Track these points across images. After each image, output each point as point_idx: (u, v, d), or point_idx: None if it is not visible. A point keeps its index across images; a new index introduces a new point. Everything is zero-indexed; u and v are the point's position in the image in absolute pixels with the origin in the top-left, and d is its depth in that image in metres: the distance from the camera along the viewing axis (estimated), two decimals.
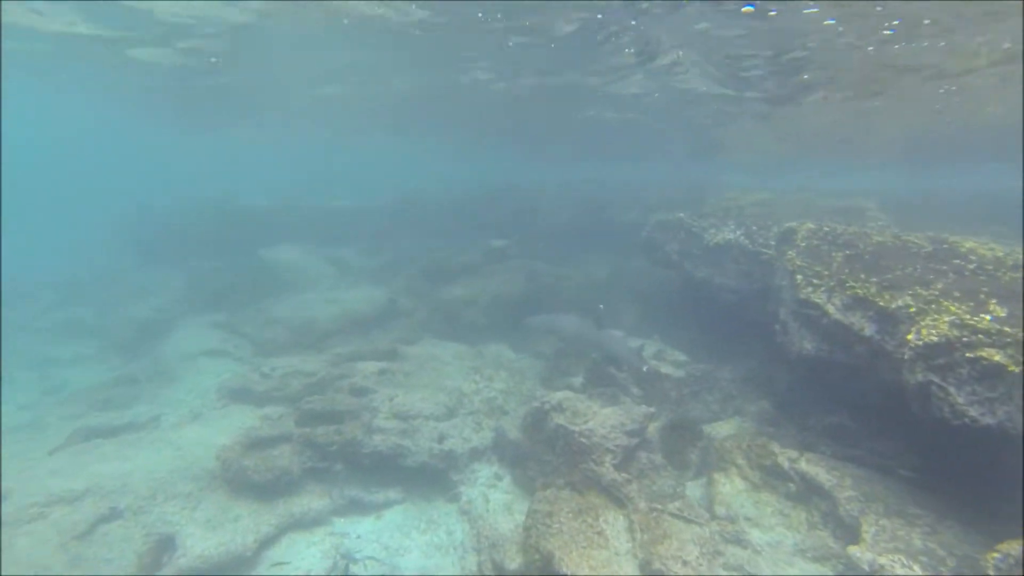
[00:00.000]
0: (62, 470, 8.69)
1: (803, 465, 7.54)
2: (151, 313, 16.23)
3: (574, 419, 9.23)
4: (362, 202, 23.49)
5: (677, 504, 7.86)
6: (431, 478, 10.05)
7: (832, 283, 7.87)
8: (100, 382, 13.78)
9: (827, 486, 7.04)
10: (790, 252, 9.22)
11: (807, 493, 7.41)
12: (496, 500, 9.64)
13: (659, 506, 7.88)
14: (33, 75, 19.71)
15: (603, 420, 9.05)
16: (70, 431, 10.10)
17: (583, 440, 8.77)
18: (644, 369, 11.27)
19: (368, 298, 16.14)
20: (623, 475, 8.32)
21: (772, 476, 7.86)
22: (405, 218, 23.19)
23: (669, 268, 15.29)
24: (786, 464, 7.75)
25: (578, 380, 12.41)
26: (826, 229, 9.53)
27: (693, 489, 9.07)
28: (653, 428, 9.47)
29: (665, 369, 11.76)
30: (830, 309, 7.69)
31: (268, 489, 8.76)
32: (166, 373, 13.49)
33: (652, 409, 9.50)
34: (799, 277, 8.55)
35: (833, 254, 8.54)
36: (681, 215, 14.16)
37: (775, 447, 8.09)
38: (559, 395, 9.70)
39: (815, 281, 8.22)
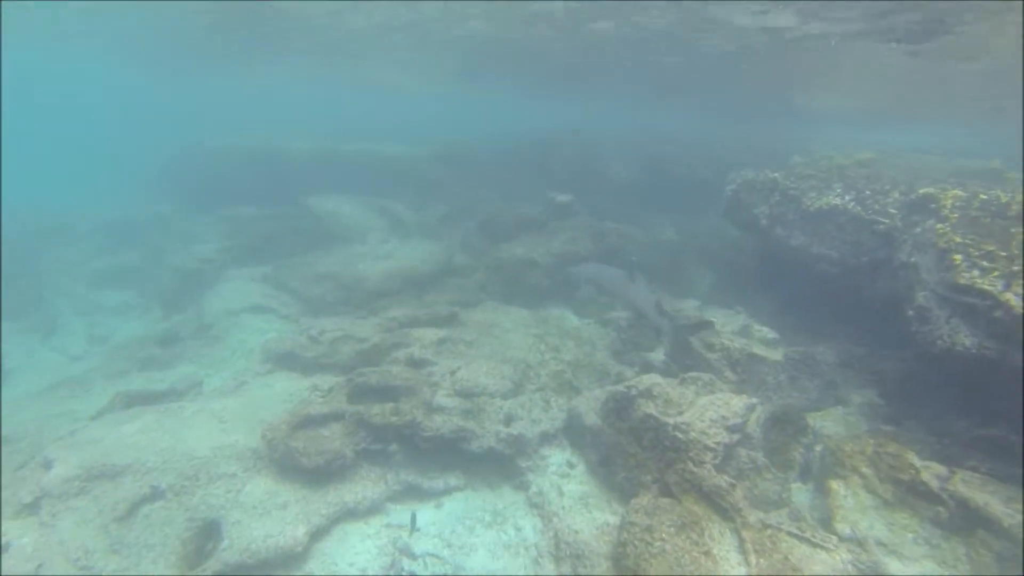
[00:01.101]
0: (103, 439, 7.97)
1: (960, 488, 6.19)
2: (195, 264, 15.49)
3: (666, 409, 8.02)
4: (412, 149, 22.11)
5: (796, 525, 6.65)
6: (495, 463, 9.07)
7: (1013, 267, 6.30)
8: (145, 335, 13.19)
9: (1005, 523, 5.69)
10: (939, 225, 7.60)
11: (968, 524, 6.08)
12: (571, 493, 8.61)
13: (773, 522, 6.68)
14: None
15: (700, 412, 7.82)
16: (112, 394, 9.36)
17: (678, 435, 7.58)
18: (662, 333, 10.37)
19: (422, 256, 15.03)
20: (726, 479, 7.12)
21: (912, 494, 6.55)
22: (458, 167, 21.77)
23: (754, 232, 13.72)
24: (934, 483, 6.42)
25: (655, 355, 11.19)
26: (983, 197, 7.86)
27: (799, 495, 7.86)
28: (753, 420, 8.20)
29: (757, 349, 10.36)
30: (1011, 300, 6.15)
31: (318, 473, 7.89)
32: (209, 330, 12.76)
33: (755, 400, 8.22)
34: (957, 257, 6.99)
35: (1011, 230, 6.91)
36: (775, 175, 12.46)
37: (912, 457, 6.75)
38: (647, 379, 8.47)
39: (984, 263, 6.66)
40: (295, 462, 7.81)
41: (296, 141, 22.59)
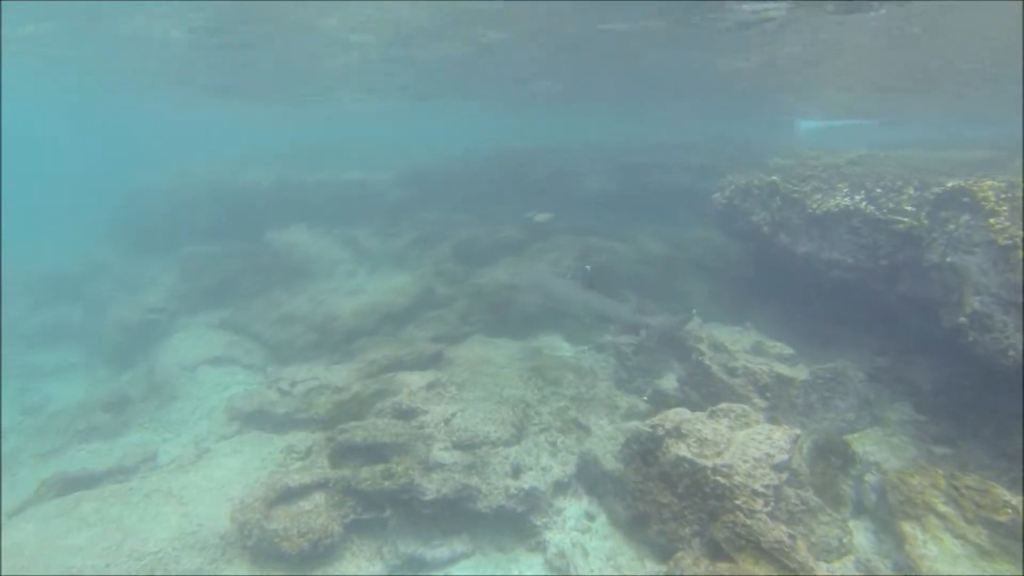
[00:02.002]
0: (24, 545, 6.52)
1: None
2: (141, 315, 14.03)
3: (702, 450, 7.04)
4: (376, 174, 20.95)
5: None
6: (506, 521, 7.95)
7: None
8: (87, 400, 11.64)
9: None
10: (991, 220, 6.88)
11: None
12: (597, 551, 7.56)
13: None
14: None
15: (741, 450, 6.86)
16: (39, 480, 7.89)
17: (720, 480, 6.60)
18: (641, 333, 10.06)
19: (396, 287, 13.87)
20: (785, 530, 6.13)
21: (1011, 538, 5.65)
22: (425, 190, 20.68)
23: (752, 241, 13.01)
24: None
25: (666, 382, 10.22)
26: None
27: (860, 536, 6.93)
28: (798, 454, 7.29)
29: (779, 368, 9.49)
30: None
31: (303, 558, 6.61)
32: (163, 389, 11.34)
33: (797, 431, 7.29)
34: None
35: None
36: (774, 178, 11.77)
37: (1002, 492, 5.87)
38: (674, 415, 7.48)
39: None
40: (274, 548, 6.54)
41: (252, 173, 21.22)
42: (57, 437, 9.89)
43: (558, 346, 13.50)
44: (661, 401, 9.56)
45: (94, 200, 26.74)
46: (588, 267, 11.51)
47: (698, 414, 7.55)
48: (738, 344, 10.93)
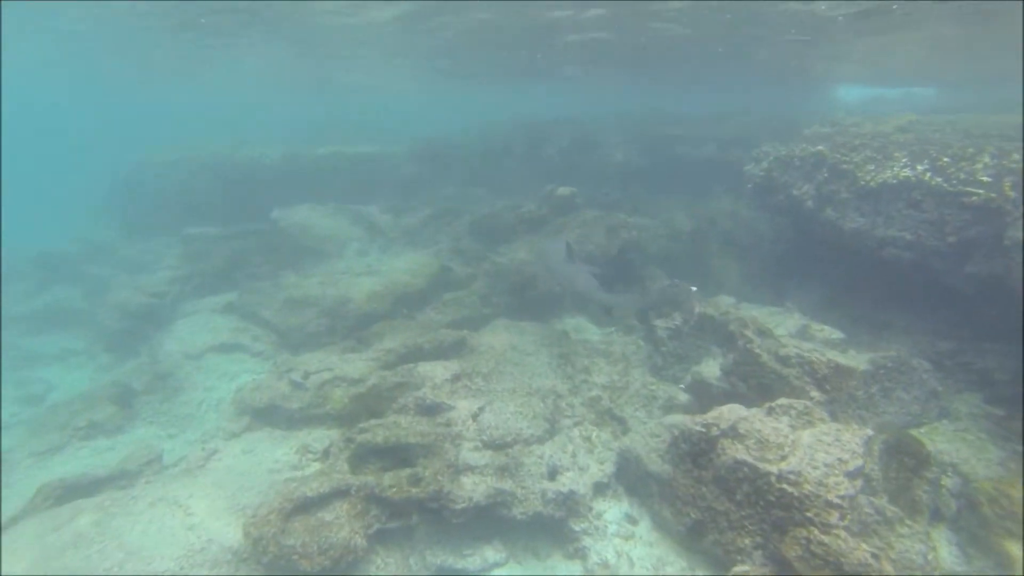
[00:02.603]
0: (17, 565, 5.92)
1: None
2: (144, 299, 13.37)
3: (763, 452, 6.34)
4: (387, 147, 20.06)
5: None
6: (542, 526, 7.32)
7: None
8: (88, 392, 11.10)
9: None
10: None
11: None
12: (642, 560, 6.96)
13: None
14: None
15: (809, 455, 6.16)
16: (39, 484, 7.30)
17: (787, 488, 5.91)
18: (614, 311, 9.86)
19: (411, 267, 13.15)
20: (867, 548, 5.45)
21: None
22: (439, 163, 19.80)
23: (790, 216, 12.16)
24: None
25: (706, 369, 9.46)
26: None
27: (945, 552, 6.26)
28: (872, 458, 6.58)
29: (835, 356, 8.73)
30: None
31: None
32: (167, 379, 10.73)
33: (869, 431, 6.57)
34: None
35: None
36: (819, 147, 10.89)
37: None
38: (729, 412, 6.80)
39: None
40: (292, 567, 5.94)
41: (258, 148, 20.38)
42: (57, 434, 9.31)
43: (584, 328, 12.85)
44: (703, 392, 8.84)
45: (94, 177, 25.96)
46: (569, 241, 10.31)
47: (755, 411, 6.83)
48: (781, 327, 10.14)
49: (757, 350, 8.15)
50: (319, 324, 11.45)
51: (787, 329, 10.08)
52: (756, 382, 8.04)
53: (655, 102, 33.38)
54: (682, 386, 9.74)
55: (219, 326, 12.26)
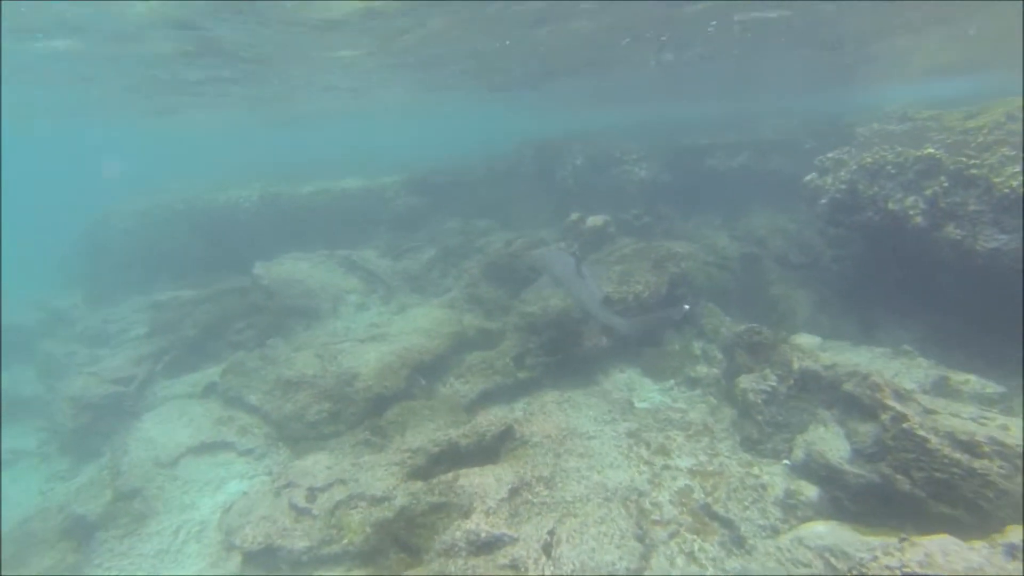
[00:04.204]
0: None
1: None
2: (107, 387, 11.19)
3: None
4: (377, 180, 18.08)
5: None
6: None
7: None
8: (25, 528, 8.82)
9: None
10: None
11: None
12: None
13: None
14: None
15: None
16: None
17: None
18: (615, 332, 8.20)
19: (424, 325, 11.13)
20: None
21: None
22: (438, 194, 17.81)
23: (888, 235, 10.15)
24: None
25: (820, 442, 7.41)
26: None
27: None
28: None
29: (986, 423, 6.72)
30: None
31: None
32: (133, 500, 8.58)
33: None
34: None
35: None
36: (932, 150, 8.97)
37: None
38: (944, 553, 4.73)
39: None
40: None
41: (235, 190, 18.32)
42: None
43: (638, 384, 10.86)
44: (835, 482, 6.81)
45: (55, 233, 23.77)
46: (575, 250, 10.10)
47: (980, 547, 4.78)
48: (906, 379, 8.19)
49: (921, 432, 6.13)
50: (320, 411, 9.33)
51: (916, 381, 8.13)
52: (925, 476, 6.01)
53: (672, 109, 31.76)
54: (787, 461, 7.75)
55: (197, 417, 10.11)
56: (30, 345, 15.34)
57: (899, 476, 6.14)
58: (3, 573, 7.54)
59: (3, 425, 12.99)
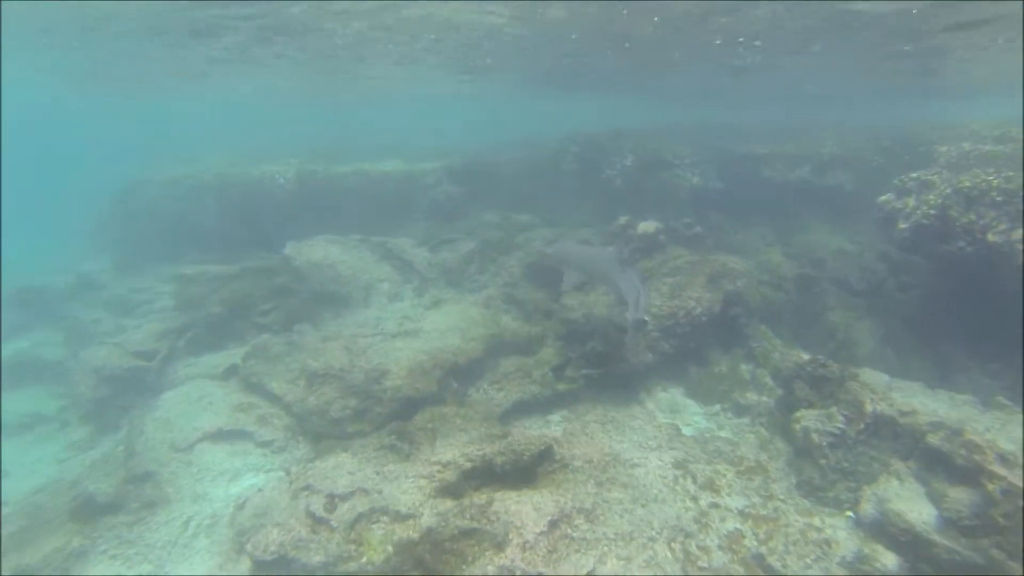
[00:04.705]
0: None
1: None
2: (129, 360, 10.87)
3: None
4: (417, 165, 17.54)
5: None
6: None
7: None
8: (35, 502, 8.51)
9: None
10: None
11: None
12: None
13: None
14: None
15: None
16: None
17: None
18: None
19: (461, 325, 10.58)
20: None
21: None
22: (479, 185, 17.19)
23: (985, 268, 9.25)
24: None
25: (895, 499, 6.68)
26: None
27: None
28: None
29: None
30: None
31: None
32: (144, 483, 8.20)
33: None
34: None
35: None
36: None
37: None
38: None
39: None
40: None
41: (267, 165, 17.95)
42: None
43: (683, 407, 10.20)
44: (922, 552, 5.98)
45: (88, 194, 23.73)
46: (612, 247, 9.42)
47: None
48: (998, 435, 7.35)
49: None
50: (345, 408, 8.83)
51: (1014, 441, 7.30)
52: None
53: (704, 114, 30.71)
54: (851, 514, 7.04)
55: (217, 401, 9.69)
56: (58, 308, 15.19)
57: (1011, 563, 5.38)
58: (4, 551, 7.17)
59: (26, 387, 12.85)
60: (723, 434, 9.21)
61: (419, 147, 21.06)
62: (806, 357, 10.94)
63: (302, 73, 22.63)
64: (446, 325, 10.62)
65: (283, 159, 18.94)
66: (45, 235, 23.20)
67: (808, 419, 7.77)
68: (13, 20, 14.53)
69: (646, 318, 7.84)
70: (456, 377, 9.59)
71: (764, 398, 9.99)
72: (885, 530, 6.28)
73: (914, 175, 10.23)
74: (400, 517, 6.48)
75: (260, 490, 7.71)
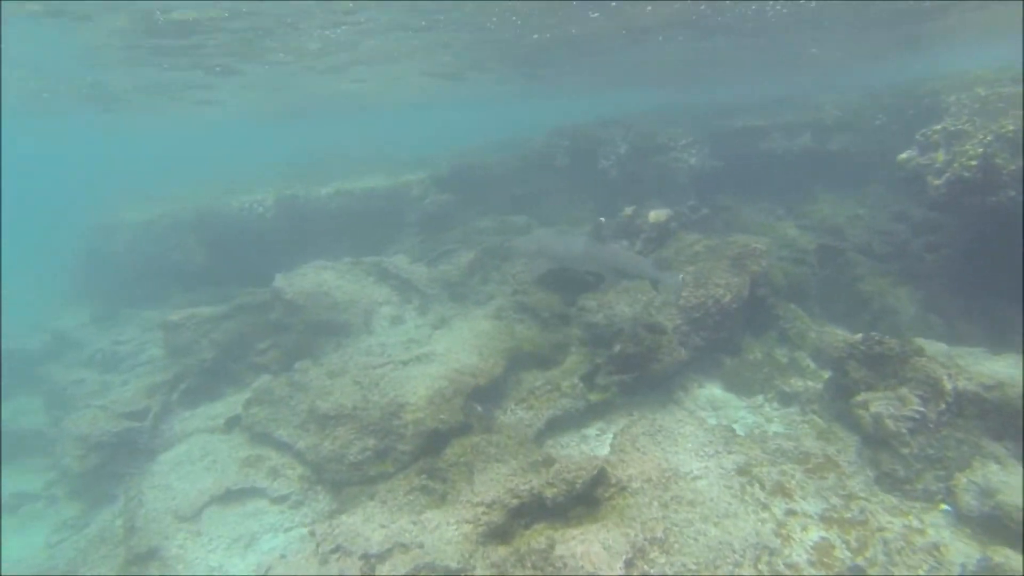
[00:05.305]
0: None
1: None
2: (119, 423, 9.91)
3: None
4: (401, 177, 16.72)
5: None
6: None
7: None
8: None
9: None
10: None
11: None
12: None
13: None
14: None
15: None
16: None
17: None
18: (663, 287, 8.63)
19: (475, 341, 9.80)
20: None
21: None
22: (470, 190, 16.40)
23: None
24: None
25: (1000, 487, 6.00)
26: None
27: None
28: None
29: None
30: None
31: None
32: (151, 563, 7.35)
33: None
34: None
35: None
36: None
37: None
38: None
39: None
40: None
41: (247, 195, 17.04)
42: None
43: (724, 402, 9.55)
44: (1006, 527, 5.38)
45: (54, 241, 22.62)
46: (602, 219, 10.01)
47: None
48: None
49: None
50: (364, 450, 8.01)
51: None
52: None
53: (687, 94, 30.12)
54: (946, 507, 6.36)
55: (222, 458, 8.84)
56: (34, 372, 14.17)
57: None
58: None
59: (8, 464, 11.86)
60: (775, 428, 8.54)
61: (399, 158, 20.24)
62: (842, 333, 10.37)
63: (266, 90, 21.78)
64: (459, 344, 9.82)
65: (259, 186, 18.06)
66: (8, 288, 22.03)
67: (877, 403, 7.08)
68: None
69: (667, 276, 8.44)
70: (479, 399, 8.82)
71: (809, 383, 9.34)
72: (998, 525, 5.59)
73: (938, 127, 9.62)
74: (450, 572, 5.68)
75: (283, 556, 6.88)
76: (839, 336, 9.72)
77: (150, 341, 13.87)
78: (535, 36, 16.60)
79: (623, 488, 6.43)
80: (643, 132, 15.82)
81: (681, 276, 8.82)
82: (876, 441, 7.01)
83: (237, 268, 15.62)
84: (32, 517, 10.29)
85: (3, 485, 11.06)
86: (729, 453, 7.40)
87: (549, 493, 6.24)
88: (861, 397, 7.41)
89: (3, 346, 14.87)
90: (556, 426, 8.67)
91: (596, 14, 14.71)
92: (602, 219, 10.05)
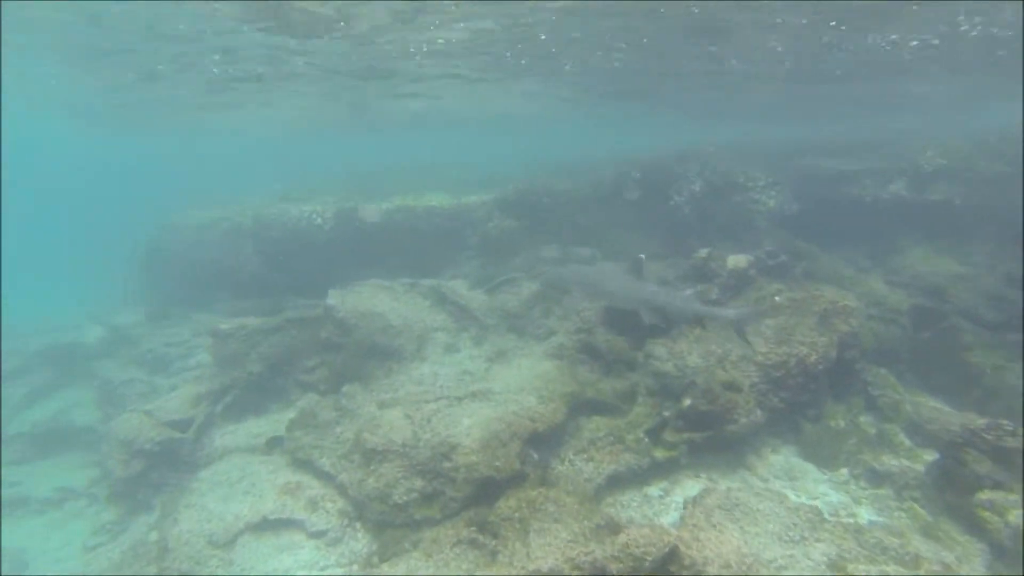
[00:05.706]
0: None
1: None
2: (162, 431, 9.71)
3: None
4: (464, 198, 16.45)
5: None
6: None
7: None
8: None
9: None
10: None
11: None
12: None
13: None
14: None
15: None
16: None
17: None
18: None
19: (536, 383, 9.24)
20: None
21: None
22: (535, 216, 15.89)
23: None
24: None
25: None
26: None
27: None
28: None
29: None
30: None
31: None
32: None
33: None
34: None
35: None
36: None
37: None
38: None
39: None
40: None
41: (307, 204, 17.06)
42: None
43: (801, 472, 8.76)
44: None
45: (114, 240, 23.27)
46: (642, 256, 9.66)
47: None
48: None
49: None
50: (411, 491, 7.53)
51: None
52: None
53: (763, 130, 29.17)
54: None
55: (260, 482, 8.49)
56: (89, 366, 14.34)
57: None
58: None
59: (55, 456, 12.00)
60: (867, 513, 7.66)
61: (462, 177, 20.01)
62: (946, 408, 9.38)
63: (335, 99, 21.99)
64: (518, 383, 9.28)
65: (318, 196, 18.11)
66: (67, 283, 22.65)
67: (1016, 513, 6.15)
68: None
69: (662, 325, 8.65)
70: (535, 445, 8.23)
71: (905, 462, 8.42)
72: None
73: None
74: None
75: None
76: (944, 413, 8.76)
77: (199, 346, 13.89)
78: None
79: (698, 574, 5.72)
80: (720, 170, 15.09)
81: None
82: (1013, 557, 6.07)
83: (290, 277, 15.59)
84: (73, 514, 10.29)
85: (45, 482, 11.11)
86: (817, 541, 6.58)
87: (614, 568, 5.60)
88: (986, 496, 6.52)
89: (62, 339, 15.23)
90: (617, 482, 8.03)
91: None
92: (642, 256, 9.64)
